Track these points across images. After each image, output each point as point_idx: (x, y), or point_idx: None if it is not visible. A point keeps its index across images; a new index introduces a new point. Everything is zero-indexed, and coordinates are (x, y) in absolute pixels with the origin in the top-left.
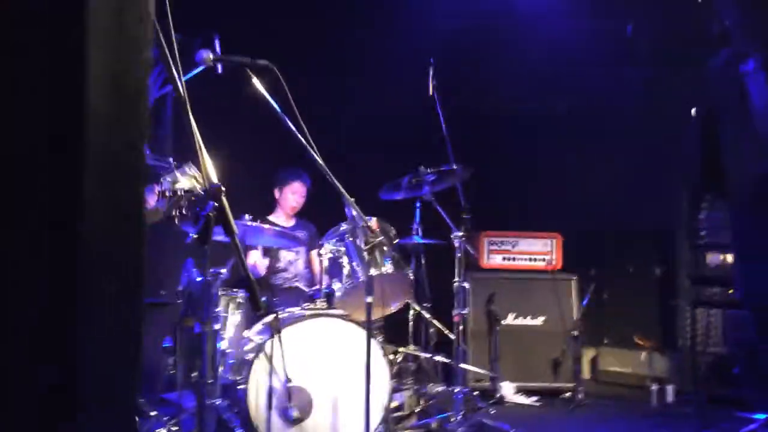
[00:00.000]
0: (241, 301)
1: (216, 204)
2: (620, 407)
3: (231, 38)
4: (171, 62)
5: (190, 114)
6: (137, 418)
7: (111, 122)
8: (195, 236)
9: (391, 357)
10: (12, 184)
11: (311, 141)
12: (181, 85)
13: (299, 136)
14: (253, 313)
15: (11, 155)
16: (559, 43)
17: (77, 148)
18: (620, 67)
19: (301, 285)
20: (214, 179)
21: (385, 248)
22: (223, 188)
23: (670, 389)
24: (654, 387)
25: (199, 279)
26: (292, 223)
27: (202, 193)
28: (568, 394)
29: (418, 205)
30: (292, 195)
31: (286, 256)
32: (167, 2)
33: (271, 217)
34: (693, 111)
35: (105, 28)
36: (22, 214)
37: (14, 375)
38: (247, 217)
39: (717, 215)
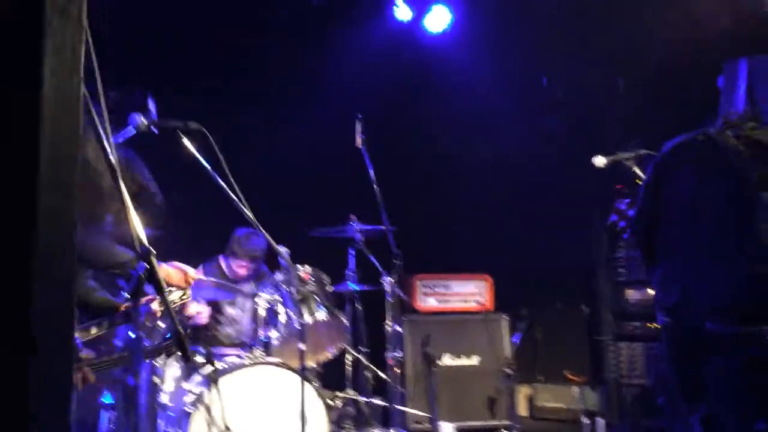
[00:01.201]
0: (180, 353)
1: (147, 265)
2: None
3: (161, 91)
4: (100, 128)
5: (121, 180)
6: None
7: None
8: (127, 295)
9: (330, 402)
10: None
11: (241, 197)
12: (110, 147)
13: (230, 193)
14: (185, 363)
15: None
16: (481, 92)
17: None
18: (540, 115)
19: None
20: (145, 242)
21: (318, 296)
22: (153, 251)
23: (601, 422)
24: (586, 421)
25: (132, 335)
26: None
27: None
28: None
29: (352, 252)
30: (235, 262)
31: (228, 311)
32: (92, 59)
33: (221, 261)
34: (597, 161)
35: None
36: None
37: None
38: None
39: (634, 253)
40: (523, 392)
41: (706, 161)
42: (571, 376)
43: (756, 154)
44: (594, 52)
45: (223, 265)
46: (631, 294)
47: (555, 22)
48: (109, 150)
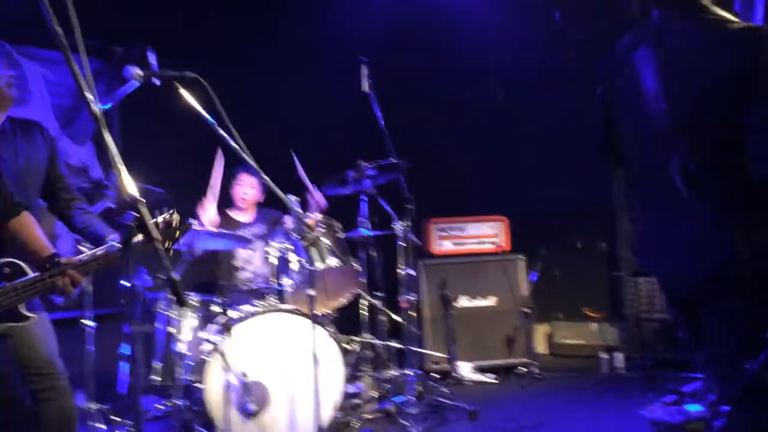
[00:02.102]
0: (196, 304)
1: (136, 214)
2: (573, 378)
3: (163, 41)
4: (81, 80)
5: (105, 129)
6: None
7: None
8: (118, 245)
9: (346, 346)
10: None
11: (244, 146)
12: (93, 100)
13: (232, 143)
14: (180, 308)
15: None
16: (491, 35)
17: None
18: (553, 56)
19: (260, 285)
20: (132, 191)
21: (328, 243)
22: (142, 199)
23: (619, 357)
24: (604, 356)
25: (127, 285)
26: (250, 217)
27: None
28: (523, 369)
29: (363, 198)
30: (239, 187)
31: (242, 254)
32: (73, 17)
33: (229, 212)
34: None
35: None
36: None
37: None
38: (192, 222)
39: None
40: (541, 330)
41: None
42: (590, 313)
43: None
44: None
45: (230, 213)
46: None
47: None
48: (91, 101)
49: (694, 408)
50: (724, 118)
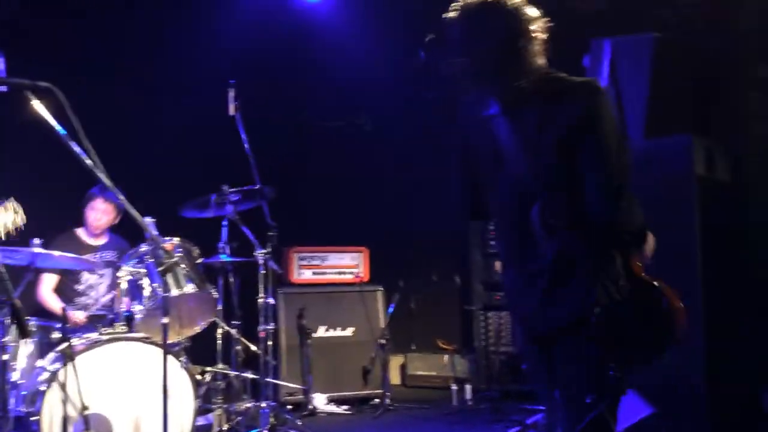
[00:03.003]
0: (33, 329)
1: None
2: (424, 409)
3: (28, 53)
4: None
5: None
6: None
7: None
8: None
9: (198, 377)
10: None
11: (99, 164)
12: None
13: (85, 158)
14: (21, 336)
15: None
16: (360, 64)
17: None
18: (417, 90)
19: (100, 313)
20: None
21: (185, 268)
22: None
23: (468, 388)
24: (454, 387)
25: None
26: (102, 241)
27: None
28: (377, 401)
29: (225, 223)
30: (92, 212)
31: (88, 278)
32: None
33: (79, 231)
34: None
35: None
36: None
37: None
38: (36, 241)
39: None
40: (396, 361)
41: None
42: (442, 345)
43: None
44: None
45: (81, 235)
46: (500, 266)
47: None
48: None
49: None
50: (567, 168)
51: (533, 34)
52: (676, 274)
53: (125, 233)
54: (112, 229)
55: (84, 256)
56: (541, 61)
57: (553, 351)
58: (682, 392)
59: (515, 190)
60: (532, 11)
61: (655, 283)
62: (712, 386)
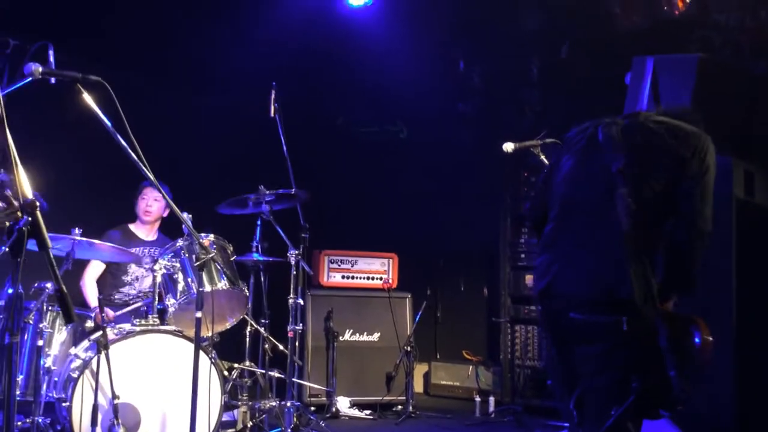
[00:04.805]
0: (76, 317)
1: (29, 218)
2: (447, 419)
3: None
4: None
5: (6, 126)
6: None
7: None
8: (7, 249)
9: (226, 373)
10: None
11: (143, 158)
12: None
13: (130, 152)
14: (67, 323)
15: None
16: (398, 74)
17: None
18: (454, 101)
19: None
20: (29, 194)
21: (220, 264)
22: (37, 203)
23: (492, 400)
24: (477, 398)
25: (9, 291)
26: (152, 237)
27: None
28: (399, 407)
29: (258, 223)
30: (141, 200)
31: (134, 271)
32: None
33: (132, 226)
34: (506, 147)
35: None
36: None
37: None
38: (76, 231)
39: (534, 241)
40: (419, 369)
41: (586, 152)
42: (468, 356)
43: (632, 144)
44: (510, 41)
45: (133, 229)
46: (530, 279)
47: (474, 8)
48: None
49: None
50: (665, 185)
51: None
52: (710, 296)
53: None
54: (162, 229)
55: (132, 250)
56: None
57: (576, 353)
58: (708, 414)
59: (604, 179)
60: None
61: (694, 318)
62: (740, 410)
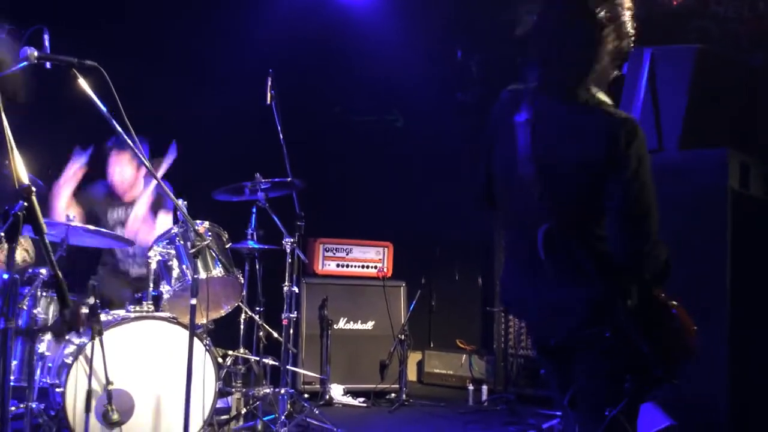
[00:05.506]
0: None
1: (25, 203)
2: (440, 407)
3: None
4: None
5: (2, 111)
6: None
7: None
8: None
9: (220, 360)
10: None
11: (138, 143)
12: None
13: (125, 137)
14: (62, 311)
15: None
16: (395, 63)
17: None
18: (452, 90)
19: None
20: (24, 179)
21: (215, 252)
22: (33, 189)
23: (484, 389)
24: (470, 387)
25: (5, 276)
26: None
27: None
28: (393, 395)
29: (254, 210)
30: (111, 168)
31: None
32: None
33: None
34: None
35: None
36: None
37: None
38: (71, 216)
39: None
40: (413, 358)
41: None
42: (461, 344)
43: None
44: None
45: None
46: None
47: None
48: None
49: None
50: (585, 195)
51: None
52: (704, 287)
53: None
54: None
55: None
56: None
57: (567, 362)
58: (702, 405)
59: (525, 197)
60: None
61: (673, 302)
62: (734, 401)
